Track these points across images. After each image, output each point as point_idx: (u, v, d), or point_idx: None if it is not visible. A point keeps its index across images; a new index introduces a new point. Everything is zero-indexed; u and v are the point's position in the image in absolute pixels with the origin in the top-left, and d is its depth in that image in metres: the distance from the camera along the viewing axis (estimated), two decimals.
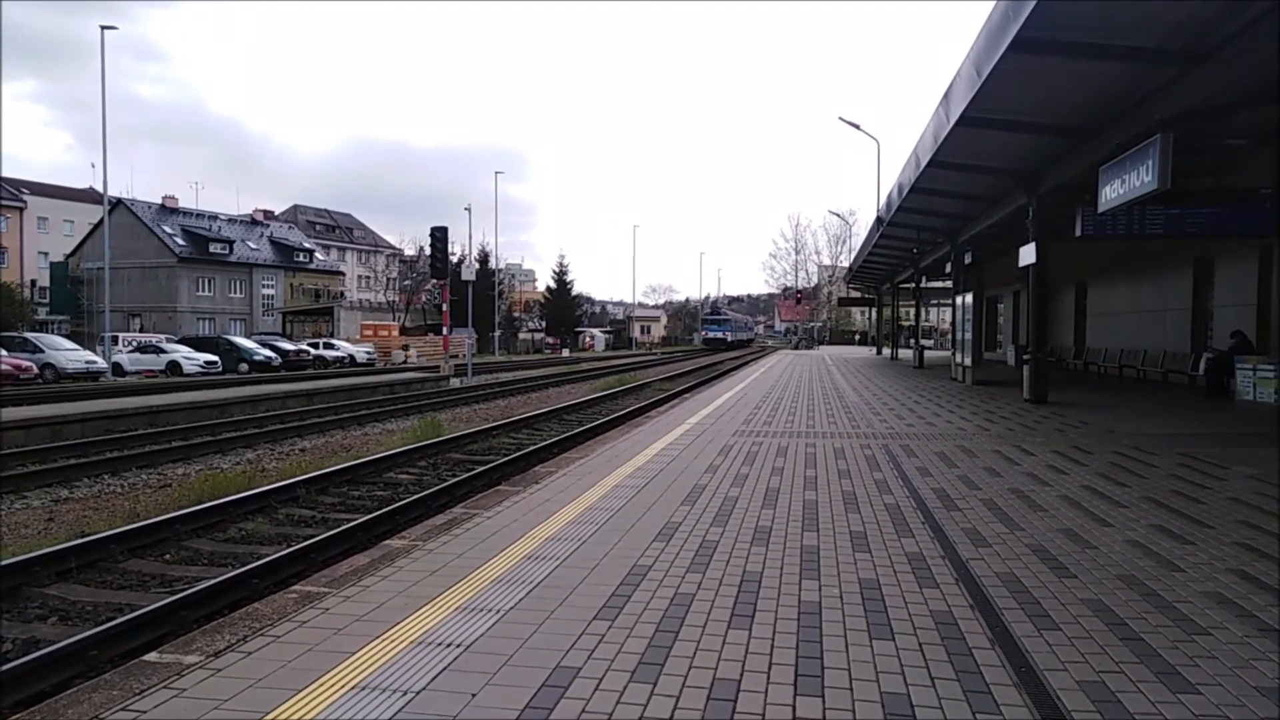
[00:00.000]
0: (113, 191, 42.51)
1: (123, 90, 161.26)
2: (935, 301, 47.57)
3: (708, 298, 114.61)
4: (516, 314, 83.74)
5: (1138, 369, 20.47)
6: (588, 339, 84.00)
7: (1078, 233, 13.65)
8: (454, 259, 54.23)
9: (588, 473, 7.70)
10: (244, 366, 36.01)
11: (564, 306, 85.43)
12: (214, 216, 69.01)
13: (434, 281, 52.45)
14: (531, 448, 12.27)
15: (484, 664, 3.36)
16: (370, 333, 53.29)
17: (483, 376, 32.00)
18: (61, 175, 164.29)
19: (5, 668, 4.36)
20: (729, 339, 70.19)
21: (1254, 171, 13.49)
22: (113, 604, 5.83)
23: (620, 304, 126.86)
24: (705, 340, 70.25)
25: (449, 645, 3.56)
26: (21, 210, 70.23)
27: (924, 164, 14.60)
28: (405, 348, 49.07)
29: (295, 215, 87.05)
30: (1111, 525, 5.73)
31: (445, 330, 34.10)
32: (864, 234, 42.20)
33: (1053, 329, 26.99)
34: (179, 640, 3.79)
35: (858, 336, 76.70)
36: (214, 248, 63.87)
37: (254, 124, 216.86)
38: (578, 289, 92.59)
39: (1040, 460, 8.52)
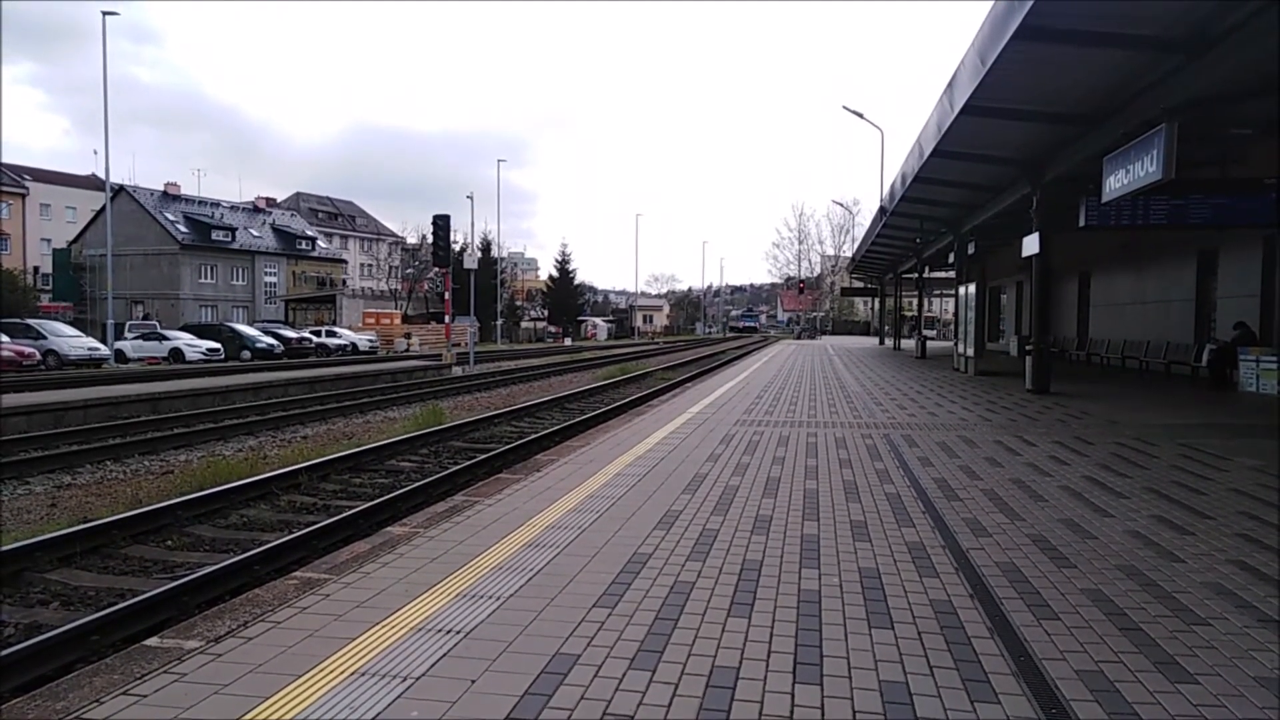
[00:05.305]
0: (114, 178, 42.41)
1: (121, 74, 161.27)
2: (938, 292, 47.53)
3: (710, 287, 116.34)
4: (519, 303, 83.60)
5: (1140, 360, 20.43)
6: (590, 328, 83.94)
7: (1081, 223, 13.59)
8: (456, 247, 54.21)
9: (589, 461, 7.71)
10: (246, 354, 36.05)
11: (566, 295, 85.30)
12: (216, 204, 68.96)
13: (436, 270, 52.46)
14: (533, 436, 12.27)
15: (484, 650, 3.37)
16: (372, 321, 53.31)
17: (485, 365, 32.01)
18: (60, 161, 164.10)
19: (7, 652, 4.38)
20: (756, 327, 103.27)
21: (1259, 162, 13.43)
22: (115, 589, 5.84)
23: (623, 293, 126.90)
24: (743, 328, 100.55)
25: (449, 632, 3.57)
26: (24, 197, 70.21)
27: (927, 153, 14.54)
28: (407, 336, 49.07)
29: (297, 203, 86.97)
30: (1112, 516, 5.73)
31: (447, 318, 34.13)
32: (867, 224, 42.11)
33: (1055, 320, 26.95)
34: (180, 625, 3.80)
35: (887, 329, 77.58)
36: (216, 235, 63.82)
37: (254, 109, 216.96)
38: (580, 278, 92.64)
39: (1041, 451, 8.51)
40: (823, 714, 2.88)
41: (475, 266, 40.21)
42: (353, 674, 3.15)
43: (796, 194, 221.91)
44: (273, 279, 68.57)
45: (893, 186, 21.46)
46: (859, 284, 59.98)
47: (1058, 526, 5.43)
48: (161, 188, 65.34)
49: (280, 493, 8.75)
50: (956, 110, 11.50)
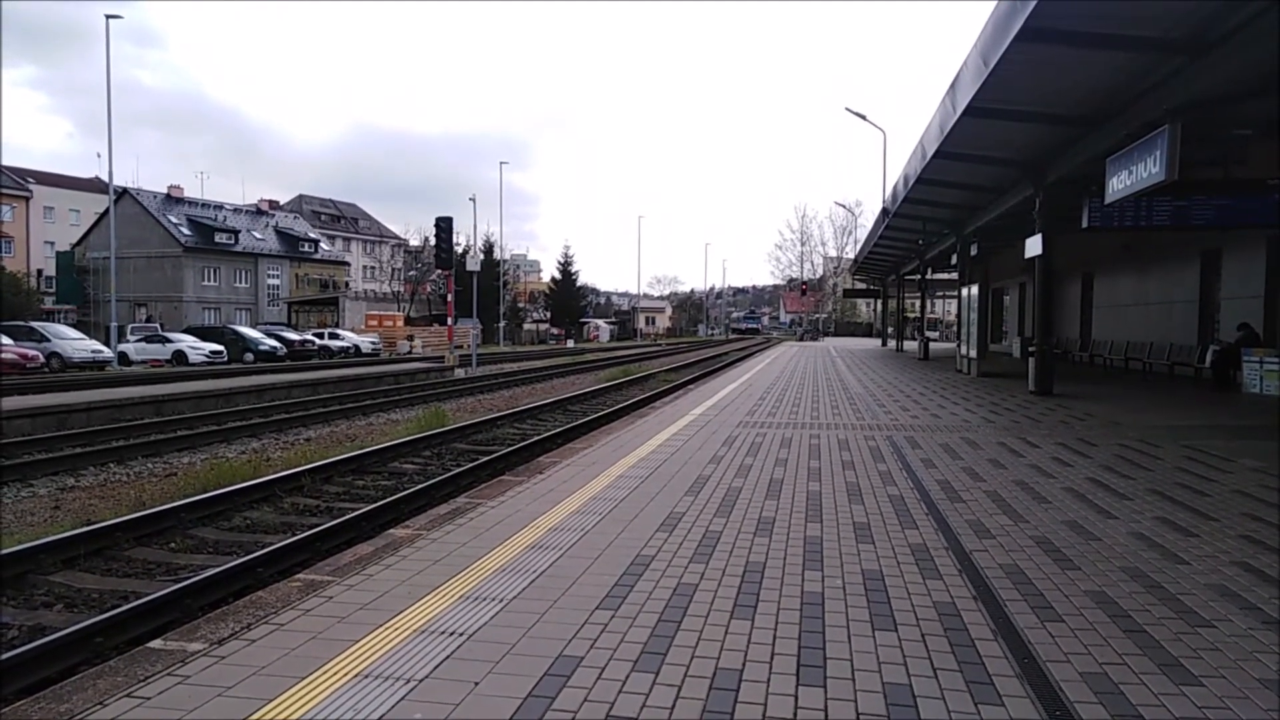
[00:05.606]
0: (118, 181, 42.58)
1: (124, 76, 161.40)
2: (941, 293, 47.54)
3: (712, 289, 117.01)
4: (521, 305, 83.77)
5: (1144, 362, 20.40)
6: (593, 330, 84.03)
7: (1084, 224, 13.58)
8: (459, 249, 54.30)
9: (591, 463, 7.71)
10: (249, 356, 36.10)
11: (569, 297, 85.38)
12: (219, 206, 69.12)
13: (439, 272, 52.55)
14: (535, 438, 12.27)
15: (487, 653, 3.37)
16: (375, 323, 53.36)
17: (487, 367, 32.02)
18: (62, 164, 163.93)
19: (11, 654, 4.38)
20: (758, 328, 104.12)
21: (1260, 162, 13.40)
22: (118, 591, 5.85)
23: (625, 295, 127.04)
24: (745, 330, 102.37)
25: (452, 634, 3.57)
26: (27, 199, 70.45)
27: (930, 155, 14.53)
28: (410, 338, 49.13)
29: (300, 205, 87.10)
30: (1116, 517, 5.72)
31: (450, 321, 34.18)
32: (869, 225, 42.07)
33: (1058, 321, 26.93)
34: (183, 628, 3.80)
35: (889, 330, 77.78)
36: (219, 237, 63.97)
37: (255, 111, 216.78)
38: (582, 280, 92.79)
39: (1045, 452, 8.50)
40: (826, 716, 2.87)
41: (478, 268, 40.34)
42: (356, 676, 3.15)
43: (799, 195, 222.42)
44: (276, 281, 68.68)
45: (895, 188, 21.45)
46: (861, 285, 59.98)
47: (1061, 528, 5.42)
48: (165, 190, 65.52)
49: (283, 495, 8.75)
50: (959, 111, 11.50)
